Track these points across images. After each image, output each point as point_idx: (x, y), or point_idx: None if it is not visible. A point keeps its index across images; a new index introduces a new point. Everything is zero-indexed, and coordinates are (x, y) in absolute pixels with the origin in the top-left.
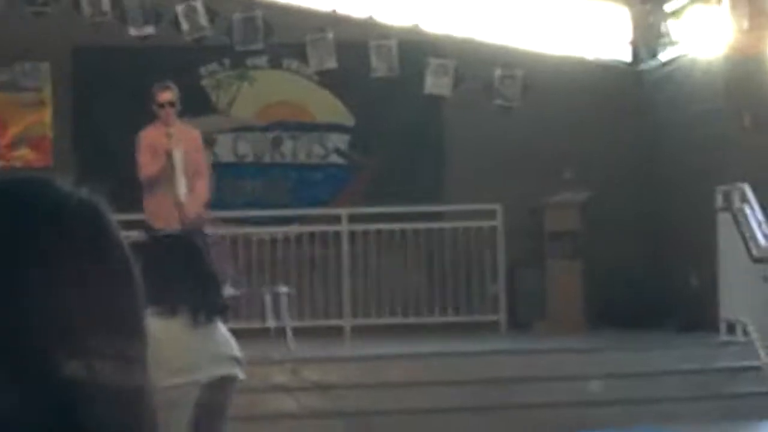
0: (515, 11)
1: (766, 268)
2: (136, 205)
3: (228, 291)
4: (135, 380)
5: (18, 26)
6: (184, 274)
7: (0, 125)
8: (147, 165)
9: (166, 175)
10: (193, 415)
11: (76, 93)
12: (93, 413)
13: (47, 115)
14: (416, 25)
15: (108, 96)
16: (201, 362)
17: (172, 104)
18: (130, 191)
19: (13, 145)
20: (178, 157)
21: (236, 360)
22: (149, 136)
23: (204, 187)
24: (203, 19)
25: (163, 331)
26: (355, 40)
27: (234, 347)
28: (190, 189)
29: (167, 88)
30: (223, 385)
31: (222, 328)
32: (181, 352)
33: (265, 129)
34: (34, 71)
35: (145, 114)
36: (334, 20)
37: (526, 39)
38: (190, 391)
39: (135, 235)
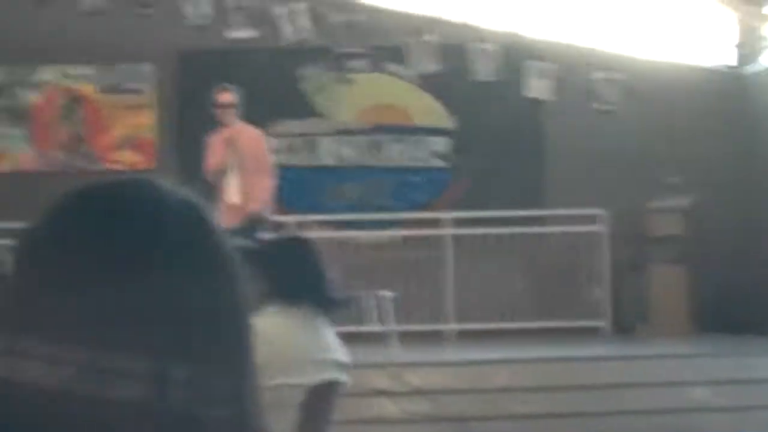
0: (616, 16)
1: None
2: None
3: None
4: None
5: (122, 28)
6: (302, 273)
7: (103, 127)
8: (210, 163)
9: (226, 166)
10: (296, 418)
11: (179, 95)
12: None
13: (150, 117)
14: (515, 33)
15: (210, 98)
16: (308, 365)
17: (231, 105)
18: None
19: (116, 147)
20: (237, 145)
21: (343, 365)
22: (214, 140)
23: (266, 185)
24: (305, 22)
25: (275, 330)
26: (456, 44)
27: (342, 352)
28: (253, 186)
29: (225, 89)
30: (328, 389)
31: (331, 332)
32: (290, 352)
33: (366, 132)
34: (137, 73)
35: (246, 115)
36: (434, 24)
37: (627, 44)
38: (295, 393)
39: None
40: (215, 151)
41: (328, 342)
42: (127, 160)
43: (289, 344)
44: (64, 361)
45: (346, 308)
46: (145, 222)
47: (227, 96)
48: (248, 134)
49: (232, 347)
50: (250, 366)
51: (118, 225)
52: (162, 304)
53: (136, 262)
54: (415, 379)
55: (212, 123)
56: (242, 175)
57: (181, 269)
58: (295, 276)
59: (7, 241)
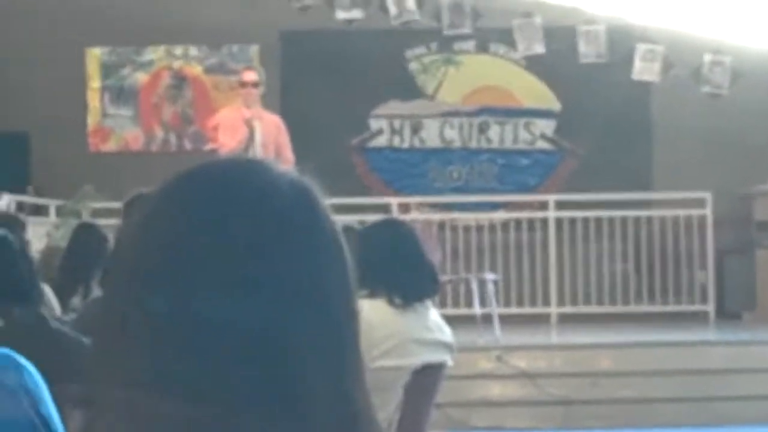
0: (726, 3)
1: None
2: (343, 187)
3: None
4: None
5: (226, 10)
6: (389, 256)
7: (208, 108)
8: (226, 142)
9: (246, 147)
10: (401, 399)
11: (283, 75)
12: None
13: None
14: (622, 17)
15: (315, 79)
16: (412, 346)
17: (255, 85)
18: (337, 173)
19: None
20: (258, 128)
21: (448, 346)
22: (228, 117)
23: None
24: (411, 3)
25: (374, 313)
26: (562, 25)
27: (447, 333)
28: None
29: (252, 68)
30: (432, 371)
31: (434, 314)
32: (392, 334)
33: (472, 114)
34: (242, 54)
35: (352, 96)
36: (542, 6)
37: (735, 29)
38: (399, 375)
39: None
40: (236, 130)
41: (432, 323)
42: None
43: (391, 326)
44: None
45: (437, 292)
46: (256, 203)
47: (252, 75)
48: (268, 119)
49: (341, 329)
50: (356, 348)
51: (228, 207)
52: (272, 286)
53: (247, 244)
54: (519, 362)
55: (319, 103)
56: (262, 150)
57: (291, 250)
58: (388, 260)
59: (114, 221)
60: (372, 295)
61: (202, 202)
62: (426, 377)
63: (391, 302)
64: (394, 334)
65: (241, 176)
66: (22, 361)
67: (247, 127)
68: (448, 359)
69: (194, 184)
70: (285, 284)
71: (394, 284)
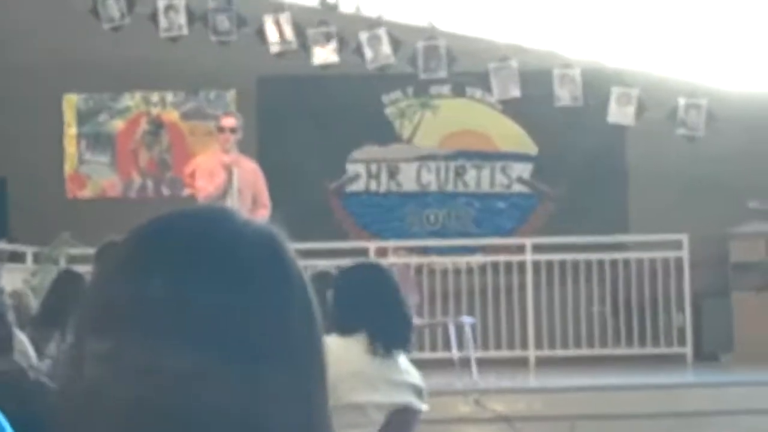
0: (700, 47)
1: None
2: (321, 231)
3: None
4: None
5: (203, 55)
6: (367, 299)
7: (185, 154)
8: (205, 187)
9: (224, 193)
10: None
11: (260, 121)
12: None
13: None
14: (598, 60)
15: (292, 124)
16: (380, 384)
17: (233, 131)
18: (315, 217)
19: None
20: (236, 174)
21: (415, 388)
22: (205, 162)
23: (265, 218)
24: (387, 48)
25: (343, 348)
26: (538, 69)
27: (414, 375)
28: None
29: (230, 114)
30: (405, 413)
31: (403, 359)
32: (360, 370)
33: (449, 158)
34: (219, 100)
35: (329, 141)
36: (517, 50)
37: (709, 72)
38: (370, 410)
39: (323, 264)
40: (214, 175)
41: (399, 365)
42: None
43: (359, 362)
44: (159, 368)
45: (407, 344)
46: (220, 255)
47: (231, 121)
48: (246, 165)
49: (308, 376)
50: (323, 394)
51: (193, 260)
52: (236, 321)
53: (212, 296)
54: (497, 405)
55: (297, 148)
56: (239, 205)
57: (256, 301)
58: (365, 303)
59: (91, 268)
60: (347, 334)
61: (166, 256)
62: (400, 420)
63: (371, 350)
64: (362, 371)
65: (206, 228)
66: None
67: (226, 172)
68: (413, 401)
69: (158, 238)
70: (251, 334)
71: (374, 331)
